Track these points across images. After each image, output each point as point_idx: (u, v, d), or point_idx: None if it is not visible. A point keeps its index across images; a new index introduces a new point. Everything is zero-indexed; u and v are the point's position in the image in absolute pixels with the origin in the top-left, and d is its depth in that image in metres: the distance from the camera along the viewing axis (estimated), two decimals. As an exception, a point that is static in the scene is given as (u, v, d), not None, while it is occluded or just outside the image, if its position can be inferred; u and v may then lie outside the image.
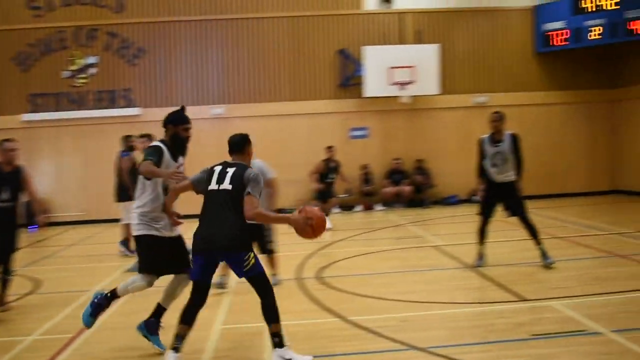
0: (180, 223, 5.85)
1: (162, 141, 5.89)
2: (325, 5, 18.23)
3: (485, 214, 9.08)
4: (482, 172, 9.11)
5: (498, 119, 8.99)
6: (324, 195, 14.31)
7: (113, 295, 5.82)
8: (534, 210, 14.79)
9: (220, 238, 5.24)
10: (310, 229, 5.22)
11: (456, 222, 14.51)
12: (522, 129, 18.60)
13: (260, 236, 7.98)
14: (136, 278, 5.80)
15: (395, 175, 17.79)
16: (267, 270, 5.80)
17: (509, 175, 8.90)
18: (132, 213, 5.91)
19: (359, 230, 13.42)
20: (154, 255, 5.76)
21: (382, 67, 17.34)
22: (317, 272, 9.04)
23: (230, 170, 5.44)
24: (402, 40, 18.28)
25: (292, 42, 18.17)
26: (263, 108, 17.67)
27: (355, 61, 17.96)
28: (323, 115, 18.12)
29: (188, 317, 5.28)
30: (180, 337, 5.23)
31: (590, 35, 17.72)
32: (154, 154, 5.67)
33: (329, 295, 7.66)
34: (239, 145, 5.68)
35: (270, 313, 5.29)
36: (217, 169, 5.52)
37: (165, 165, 5.69)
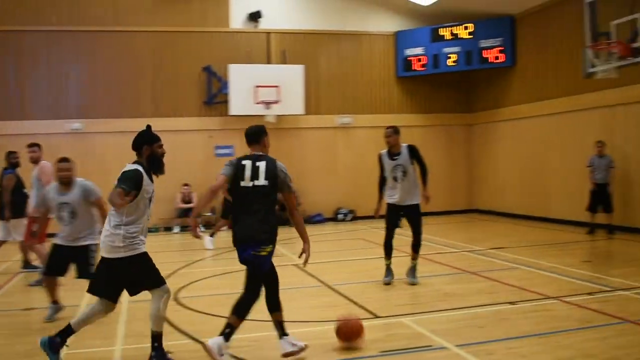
0: (199, 236, 5.69)
1: (138, 163, 5.55)
2: (191, 21, 17.98)
3: (389, 228, 9.11)
4: (381, 186, 9.17)
5: (390, 134, 9.05)
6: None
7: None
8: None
9: (258, 233, 5.42)
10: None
11: (320, 240, 14.59)
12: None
13: (84, 258, 7.31)
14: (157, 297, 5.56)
15: (261, 194, 17.70)
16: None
17: (412, 199, 8.93)
18: (111, 233, 5.42)
19: (222, 249, 13.19)
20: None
21: (247, 85, 17.33)
22: (174, 293, 8.75)
23: (262, 165, 5.53)
24: (268, 60, 18.36)
25: (155, 57, 17.76)
26: (124, 124, 17.00)
27: (220, 79, 17.82)
28: (188, 133, 17.81)
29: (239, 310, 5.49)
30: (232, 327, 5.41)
31: (447, 62, 18.55)
32: (131, 181, 5.31)
33: (184, 317, 7.41)
34: (257, 135, 5.72)
35: (242, 306, 5.46)
36: (247, 163, 5.56)
37: (145, 189, 5.47)
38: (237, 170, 5.54)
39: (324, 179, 18.74)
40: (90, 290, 5.63)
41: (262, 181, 5.48)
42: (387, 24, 19.49)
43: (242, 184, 5.50)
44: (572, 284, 8.50)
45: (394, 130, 9.05)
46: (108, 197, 5.21)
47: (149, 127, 5.80)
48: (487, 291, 8.25)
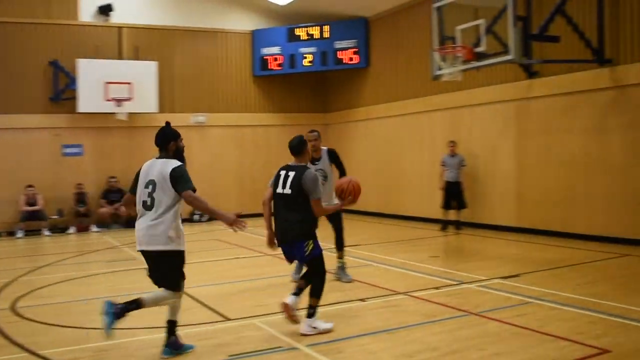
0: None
1: (165, 157, 5.81)
2: (36, 12, 16.90)
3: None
4: None
5: (316, 137, 8.77)
6: None
7: (138, 305, 5.62)
8: (250, 228, 14.98)
9: (289, 232, 6.39)
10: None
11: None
12: (241, 149, 19.16)
13: None
14: (167, 294, 5.75)
15: (112, 194, 16.99)
16: None
17: (333, 202, 8.56)
18: (164, 227, 5.62)
19: (69, 254, 12.51)
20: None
21: (97, 82, 16.57)
22: (12, 303, 8.14)
23: (291, 175, 6.46)
24: (119, 55, 17.65)
25: (-5, 49, 16.58)
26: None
27: (68, 74, 16.90)
28: (33, 131, 16.78)
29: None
30: (300, 289, 6.35)
31: (303, 62, 18.68)
32: (189, 178, 5.70)
33: (22, 328, 6.89)
34: (298, 147, 6.69)
35: (315, 290, 6.36)
36: (282, 173, 6.58)
37: None
38: (276, 179, 6.59)
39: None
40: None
41: (287, 190, 6.41)
42: (243, 22, 19.33)
43: (277, 190, 6.52)
44: (420, 279, 8.75)
45: (319, 134, 8.77)
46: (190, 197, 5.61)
47: (168, 123, 6.08)
48: (339, 289, 8.30)
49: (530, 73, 13.04)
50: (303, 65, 18.75)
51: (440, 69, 11.80)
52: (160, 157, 5.80)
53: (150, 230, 5.62)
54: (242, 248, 12.32)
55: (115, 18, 17.68)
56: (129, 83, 16.81)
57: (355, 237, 12.72)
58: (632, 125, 11.31)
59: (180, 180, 5.60)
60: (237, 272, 9.68)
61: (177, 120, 18.20)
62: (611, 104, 11.68)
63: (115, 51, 17.68)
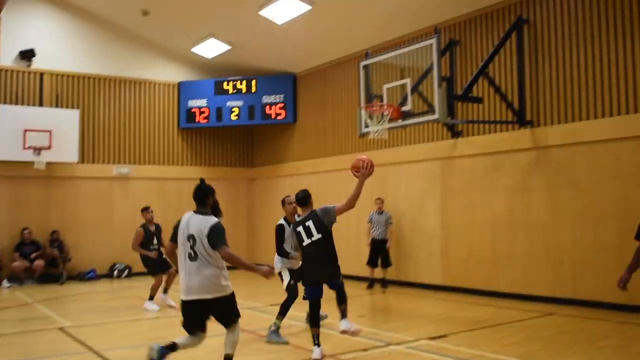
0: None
1: (202, 212, 6.40)
2: (-48, 55, 16.27)
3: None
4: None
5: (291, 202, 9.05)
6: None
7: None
8: (173, 285, 14.42)
9: (326, 272, 7.58)
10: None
11: (91, 299, 13.59)
12: (165, 202, 18.69)
13: None
14: (236, 329, 6.57)
15: (26, 247, 16.16)
16: None
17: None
18: (218, 275, 6.30)
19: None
20: None
21: (16, 128, 15.90)
22: None
23: (310, 223, 7.45)
24: (40, 102, 17.06)
25: None
26: None
27: (-16, 120, 16.20)
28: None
29: (317, 321, 7.65)
30: (317, 336, 7.53)
31: (231, 116, 18.57)
32: (224, 234, 6.32)
33: None
34: (305, 200, 7.81)
35: (342, 298, 7.71)
36: (300, 229, 7.54)
37: None
38: (298, 235, 7.53)
39: (98, 233, 17.64)
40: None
41: (316, 236, 7.41)
42: (170, 73, 19.13)
43: (304, 243, 7.50)
44: (347, 341, 8.54)
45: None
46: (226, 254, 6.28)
47: (203, 179, 6.77)
48: (267, 351, 8.02)
49: (455, 133, 13.31)
50: (230, 119, 18.61)
51: (367, 126, 11.87)
52: (197, 212, 6.39)
53: (204, 281, 6.19)
54: (162, 306, 11.84)
55: (37, 63, 17.16)
56: (49, 131, 16.21)
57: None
58: (553, 184, 11.60)
59: (216, 238, 6.16)
60: (159, 333, 9.23)
61: (98, 171, 17.70)
62: (533, 163, 11.98)
63: (36, 97, 17.10)
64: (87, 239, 17.43)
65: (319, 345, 7.41)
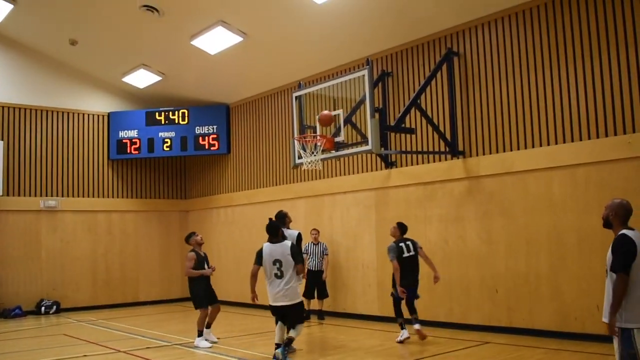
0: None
1: (274, 242, 9.23)
2: None
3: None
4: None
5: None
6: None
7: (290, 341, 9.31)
8: (102, 321, 13.98)
9: (417, 280, 10.94)
10: None
11: (15, 337, 12.96)
12: (96, 234, 18.16)
13: None
14: (300, 327, 9.49)
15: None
16: None
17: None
18: (294, 288, 9.16)
19: None
20: None
21: None
22: None
23: (410, 242, 10.97)
24: (-39, 135, 16.40)
25: None
26: None
27: None
28: None
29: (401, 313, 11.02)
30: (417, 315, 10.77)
31: (163, 147, 18.24)
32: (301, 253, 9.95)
33: None
34: (405, 227, 11.23)
35: (413, 308, 10.81)
36: (402, 245, 10.85)
37: None
38: (400, 249, 10.80)
39: (25, 267, 16.95)
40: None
41: (412, 252, 10.89)
42: (100, 103, 18.69)
43: (404, 255, 10.78)
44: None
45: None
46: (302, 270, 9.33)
47: (271, 219, 9.82)
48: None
49: (388, 163, 13.36)
50: (162, 150, 18.27)
51: (300, 157, 11.78)
52: (274, 242, 9.21)
53: (287, 291, 9.04)
54: (91, 344, 11.38)
55: (-42, 95, 16.53)
56: (-29, 164, 15.58)
57: (214, 331, 12.13)
58: (485, 214, 11.74)
59: (297, 256, 9.16)
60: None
61: (24, 204, 17.09)
62: (465, 193, 12.10)
63: (-44, 130, 16.45)
64: (12, 275, 16.73)
65: (404, 328, 10.77)
